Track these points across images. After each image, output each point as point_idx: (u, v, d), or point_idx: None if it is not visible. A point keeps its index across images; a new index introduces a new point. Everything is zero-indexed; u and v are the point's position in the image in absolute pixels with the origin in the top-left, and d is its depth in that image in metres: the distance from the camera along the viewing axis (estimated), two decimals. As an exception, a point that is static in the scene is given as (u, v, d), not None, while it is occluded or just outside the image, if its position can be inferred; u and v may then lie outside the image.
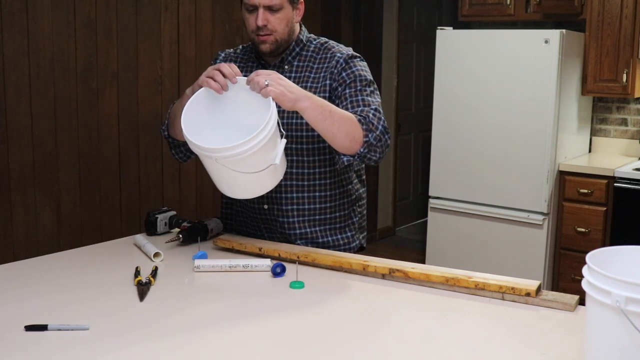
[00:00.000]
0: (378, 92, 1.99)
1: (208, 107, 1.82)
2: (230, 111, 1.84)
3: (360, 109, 1.88)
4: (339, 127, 1.79)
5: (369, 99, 1.92)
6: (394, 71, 5.66)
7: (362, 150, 1.83)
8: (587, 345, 1.18)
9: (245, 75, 1.82)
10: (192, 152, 2.07)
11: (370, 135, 1.83)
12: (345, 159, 1.85)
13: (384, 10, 5.48)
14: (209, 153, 1.68)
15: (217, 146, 1.67)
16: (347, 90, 1.93)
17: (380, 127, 1.85)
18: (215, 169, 1.74)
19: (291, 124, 1.95)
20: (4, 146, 3.01)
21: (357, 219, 2.11)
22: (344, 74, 1.95)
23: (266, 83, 1.70)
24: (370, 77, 1.99)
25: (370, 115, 1.86)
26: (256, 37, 1.94)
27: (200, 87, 1.81)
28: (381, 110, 1.91)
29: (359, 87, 1.93)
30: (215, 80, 1.77)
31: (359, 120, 1.83)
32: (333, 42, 2.05)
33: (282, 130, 1.77)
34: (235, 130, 1.82)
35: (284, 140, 1.76)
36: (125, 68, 3.48)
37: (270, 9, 1.89)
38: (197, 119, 1.79)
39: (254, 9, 1.90)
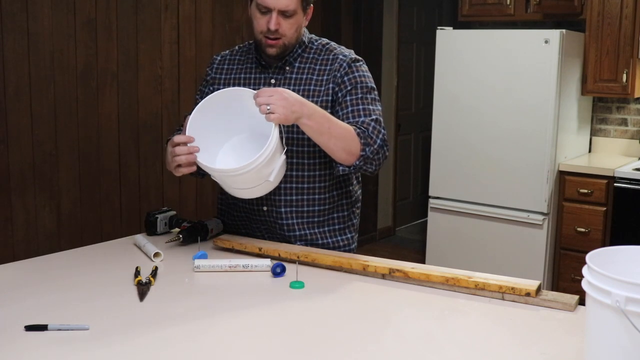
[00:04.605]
0: (379, 99, 1.99)
1: (214, 115, 1.84)
2: (238, 118, 1.87)
3: (361, 119, 1.89)
4: (336, 141, 1.82)
5: (370, 107, 1.93)
6: (394, 71, 5.66)
7: (357, 162, 1.86)
8: (587, 345, 1.18)
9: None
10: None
11: (367, 149, 1.85)
12: (341, 168, 1.89)
13: (384, 10, 5.48)
14: (206, 168, 1.78)
15: (211, 165, 1.79)
16: (348, 97, 1.93)
17: (378, 140, 1.87)
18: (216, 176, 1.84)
19: (292, 138, 1.95)
20: (4, 146, 3.01)
21: (356, 220, 2.11)
22: (345, 78, 1.95)
23: (268, 109, 1.70)
24: (371, 83, 1.99)
25: (370, 128, 1.87)
26: (264, 40, 1.92)
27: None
28: (381, 120, 1.92)
29: (359, 95, 1.93)
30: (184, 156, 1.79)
31: (358, 134, 1.85)
32: (334, 43, 2.05)
33: (284, 145, 1.80)
34: (240, 134, 1.92)
35: (283, 157, 1.79)
36: (125, 68, 3.48)
37: (284, 13, 1.88)
38: (202, 126, 1.82)
39: (268, 11, 1.88)
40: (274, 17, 1.87)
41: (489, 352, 1.33)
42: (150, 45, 3.58)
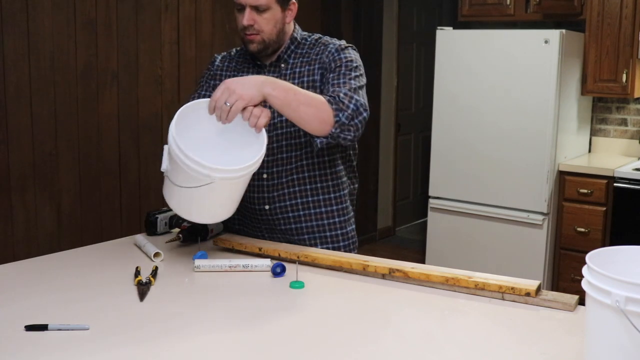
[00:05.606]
0: (364, 77, 1.94)
1: (202, 120, 1.76)
2: (222, 132, 1.79)
3: (334, 89, 1.86)
4: (305, 110, 1.76)
5: (351, 81, 1.88)
6: (394, 71, 5.66)
7: (333, 130, 1.80)
8: (587, 345, 1.18)
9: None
10: None
11: (341, 115, 1.79)
12: (318, 141, 1.83)
13: (384, 10, 5.48)
14: (171, 139, 1.65)
15: (173, 129, 1.64)
16: (331, 75, 1.91)
17: (351, 105, 1.81)
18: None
19: (290, 132, 1.95)
20: (4, 146, 3.01)
21: (352, 212, 2.12)
22: (332, 61, 1.94)
23: (227, 105, 1.67)
24: (357, 63, 1.95)
25: (341, 94, 1.82)
26: (244, 36, 1.94)
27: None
28: (359, 90, 1.87)
29: (343, 71, 1.91)
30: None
31: (328, 101, 1.80)
32: (328, 37, 2.05)
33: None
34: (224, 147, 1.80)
35: (234, 197, 1.74)
36: (125, 68, 3.48)
37: (256, 9, 1.89)
38: (188, 125, 1.74)
39: (242, 8, 1.90)
40: (246, 13, 1.89)
41: (489, 352, 1.33)
42: (150, 45, 3.58)
